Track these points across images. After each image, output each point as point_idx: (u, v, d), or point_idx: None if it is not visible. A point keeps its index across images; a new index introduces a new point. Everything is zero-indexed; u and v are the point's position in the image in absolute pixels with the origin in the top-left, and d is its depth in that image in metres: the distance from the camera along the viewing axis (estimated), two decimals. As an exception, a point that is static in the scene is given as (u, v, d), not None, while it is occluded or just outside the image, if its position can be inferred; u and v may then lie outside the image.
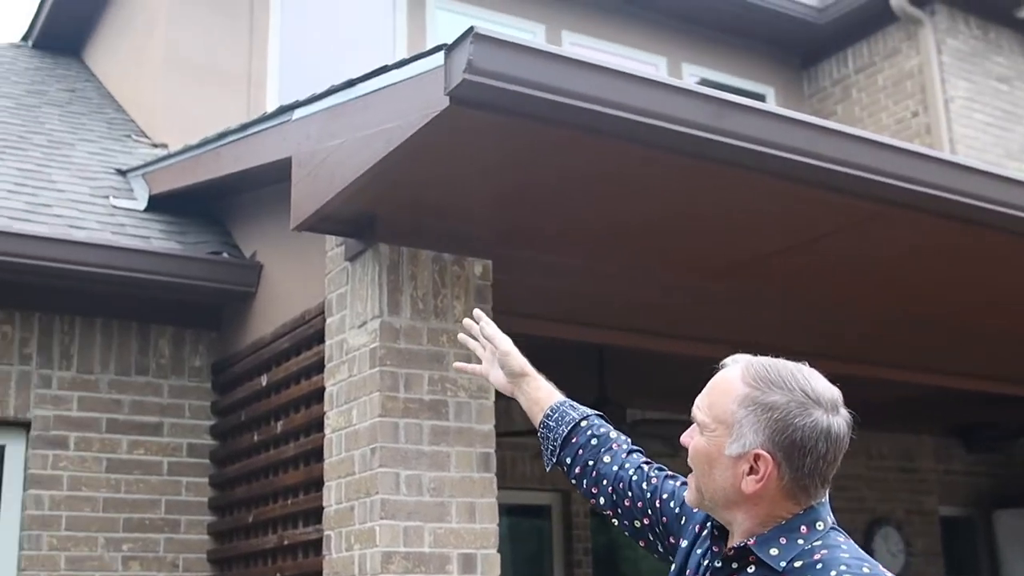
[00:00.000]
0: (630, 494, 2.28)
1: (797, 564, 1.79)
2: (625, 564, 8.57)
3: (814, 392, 1.88)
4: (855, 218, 4.51)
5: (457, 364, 2.80)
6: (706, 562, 1.98)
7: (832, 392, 1.91)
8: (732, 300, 5.42)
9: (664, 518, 2.21)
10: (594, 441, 2.38)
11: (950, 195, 4.28)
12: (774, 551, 1.82)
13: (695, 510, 2.13)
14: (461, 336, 2.72)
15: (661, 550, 2.26)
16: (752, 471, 1.85)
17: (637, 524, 2.29)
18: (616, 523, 2.35)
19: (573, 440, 2.40)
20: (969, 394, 7.64)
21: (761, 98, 9.87)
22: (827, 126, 4.11)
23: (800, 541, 1.83)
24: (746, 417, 1.86)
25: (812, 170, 3.95)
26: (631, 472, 2.31)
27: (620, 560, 8.51)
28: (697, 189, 4.24)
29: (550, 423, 2.44)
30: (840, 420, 1.89)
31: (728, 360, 1.98)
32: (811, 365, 1.97)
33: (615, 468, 2.32)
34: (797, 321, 5.72)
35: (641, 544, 2.31)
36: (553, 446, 2.43)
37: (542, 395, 2.50)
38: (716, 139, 3.73)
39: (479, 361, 2.65)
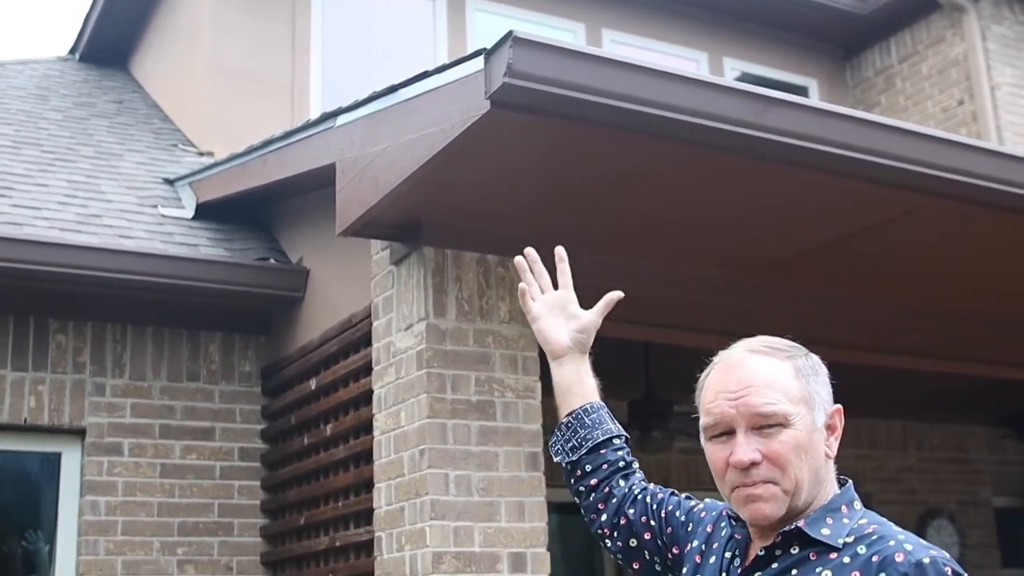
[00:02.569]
0: (631, 510, 2.23)
1: (851, 539, 1.82)
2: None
3: None
4: (899, 210, 4.48)
5: (523, 287, 2.40)
6: (729, 554, 1.98)
7: None
8: (775, 295, 5.40)
9: (669, 528, 2.18)
10: (621, 464, 2.30)
11: (996, 185, 4.24)
12: (826, 530, 1.83)
13: (703, 515, 2.14)
14: (518, 260, 2.42)
15: (658, 568, 2.21)
16: (830, 431, 1.93)
17: (633, 543, 2.23)
18: (609, 544, 2.28)
19: (602, 451, 2.30)
20: (1021, 384, 7.56)
21: (804, 91, 9.82)
22: (868, 118, 4.10)
23: (845, 520, 1.86)
24: (812, 383, 1.92)
25: (854, 163, 3.94)
26: (636, 491, 2.26)
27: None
28: (739, 185, 4.24)
29: (586, 420, 2.31)
30: None
31: (723, 357, 1.98)
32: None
33: (626, 490, 2.27)
34: (842, 315, 5.69)
35: (634, 566, 2.25)
36: (577, 443, 2.30)
37: (589, 384, 2.34)
38: (758, 135, 3.73)
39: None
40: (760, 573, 1.88)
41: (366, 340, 4.82)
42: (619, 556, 2.27)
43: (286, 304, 5.71)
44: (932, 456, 9.73)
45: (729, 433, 1.89)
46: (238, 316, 5.84)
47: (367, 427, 4.74)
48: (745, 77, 9.43)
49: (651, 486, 2.29)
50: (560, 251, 2.39)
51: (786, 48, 9.96)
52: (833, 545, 1.81)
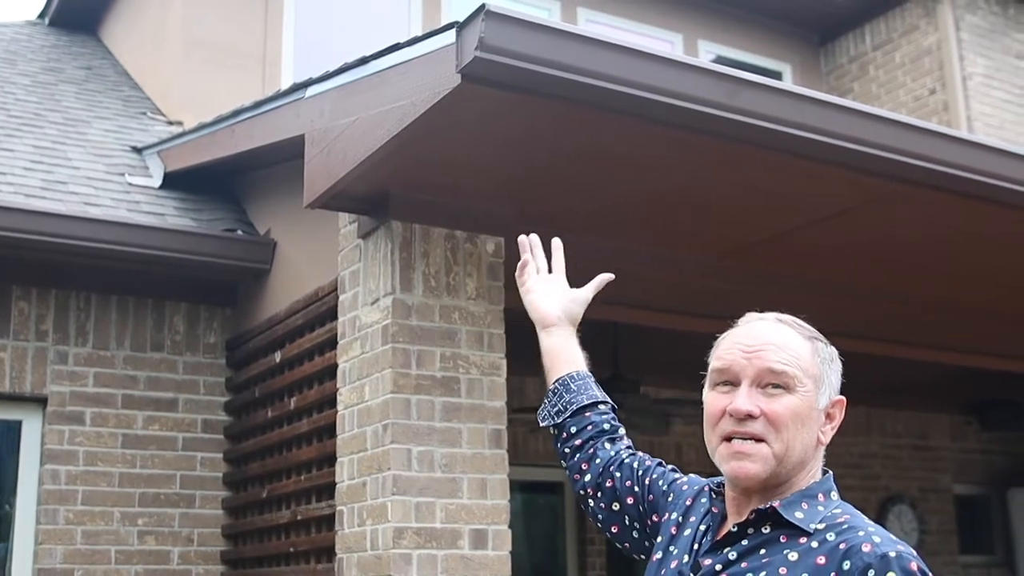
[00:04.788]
0: (618, 474, 2.26)
1: (822, 525, 1.84)
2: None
3: None
4: (869, 197, 4.49)
5: (527, 257, 2.50)
6: (704, 527, 1.99)
7: None
8: (746, 279, 5.41)
9: (651, 495, 2.20)
10: (606, 427, 2.33)
11: (964, 173, 4.25)
12: (799, 514, 1.85)
13: (685, 488, 2.15)
14: (522, 238, 2.52)
15: (636, 535, 2.24)
16: (828, 419, 1.94)
17: (616, 507, 2.26)
18: (591, 504, 2.31)
19: (587, 414, 2.34)
20: (985, 372, 7.62)
21: (778, 75, 9.82)
22: (841, 103, 4.10)
23: (820, 508, 1.87)
24: (825, 367, 1.94)
25: (826, 148, 3.94)
26: (624, 455, 2.29)
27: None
28: (711, 167, 4.23)
29: (572, 386, 2.36)
30: None
31: (752, 317, 1.99)
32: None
33: (612, 453, 2.30)
34: (811, 299, 5.70)
35: (613, 530, 2.28)
36: (563, 407, 2.35)
37: (577, 354, 2.40)
38: (730, 117, 3.72)
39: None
40: (730, 548, 1.89)
41: (332, 314, 4.79)
42: (599, 518, 2.30)
43: (252, 276, 5.67)
44: (895, 442, 9.82)
45: (734, 384, 1.91)
46: (204, 287, 5.80)
47: (331, 401, 4.72)
48: (720, 60, 9.42)
49: (639, 453, 2.31)
50: (556, 242, 2.47)
51: (761, 32, 9.96)
52: (804, 529, 1.83)
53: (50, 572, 5.22)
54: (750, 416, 1.86)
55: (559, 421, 2.36)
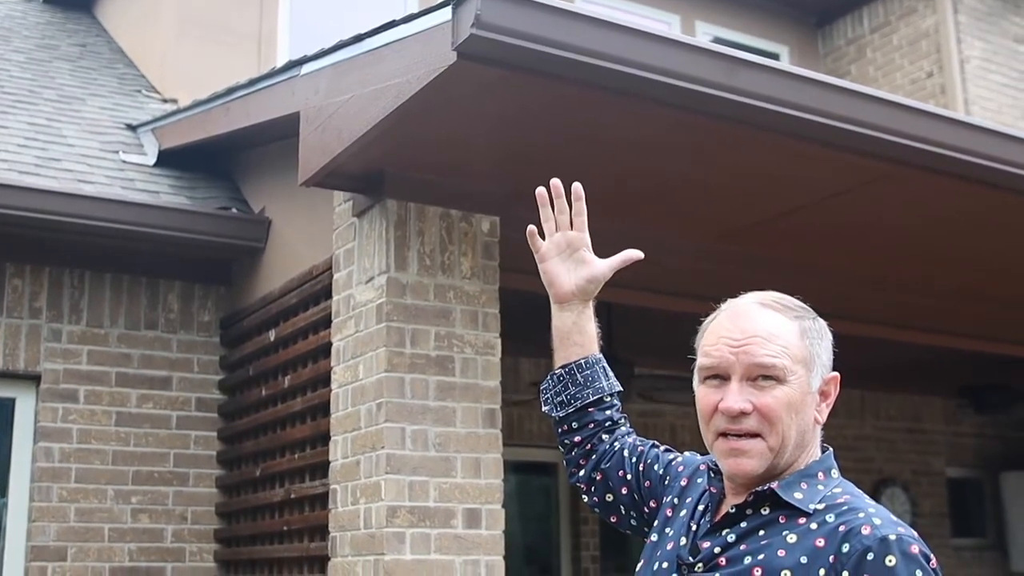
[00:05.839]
0: (607, 465, 2.23)
1: (821, 506, 1.81)
2: (632, 522, 8.61)
3: None
4: (866, 178, 4.48)
5: (532, 228, 2.27)
6: (702, 507, 1.97)
7: None
8: (741, 261, 5.40)
9: (647, 482, 2.17)
10: (608, 423, 2.27)
11: (962, 155, 4.24)
12: (798, 495, 1.82)
13: (680, 469, 2.13)
14: (540, 191, 2.24)
15: (634, 523, 2.22)
16: (823, 397, 1.91)
17: (609, 498, 2.23)
18: (586, 499, 2.29)
19: (591, 410, 2.26)
20: (979, 356, 7.63)
21: (775, 57, 9.79)
22: (839, 84, 4.08)
23: (820, 487, 1.85)
24: (815, 346, 1.89)
25: (823, 128, 3.93)
26: (617, 445, 2.25)
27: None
28: (708, 149, 4.22)
29: (579, 376, 2.25)
30: None
31: (734, 303, 1.94)
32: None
33: (606, 446, 2.26)
34: (805, 281, 5.69)
35: (612, 520, 2.26)
36: (567, 399, 2.27)
37: (589, 332, 2.27)
38: (728, 97, 3.70)
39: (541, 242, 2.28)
40: (728, 530, 1.86)
41: (326, 292, 4.78)
42: (596, 510, 2.28)
43: (247, 254, 5.66)
44: (889, 425, 9.83)
45: (724, 378, 1.87)
46: (198, 265, 5.79)
47: (325, 380, 4.71)
48: (717, 41, 9.30)
49: (631, 439, 2.26)
50: (578, 188, 2.23)
51: (759, 14, 9.93)
52: (804, 510, 1.80)
53: (43, 549, 5.22)
54: (743, 413, 1.84)
55: (562, 414, 2.28)
